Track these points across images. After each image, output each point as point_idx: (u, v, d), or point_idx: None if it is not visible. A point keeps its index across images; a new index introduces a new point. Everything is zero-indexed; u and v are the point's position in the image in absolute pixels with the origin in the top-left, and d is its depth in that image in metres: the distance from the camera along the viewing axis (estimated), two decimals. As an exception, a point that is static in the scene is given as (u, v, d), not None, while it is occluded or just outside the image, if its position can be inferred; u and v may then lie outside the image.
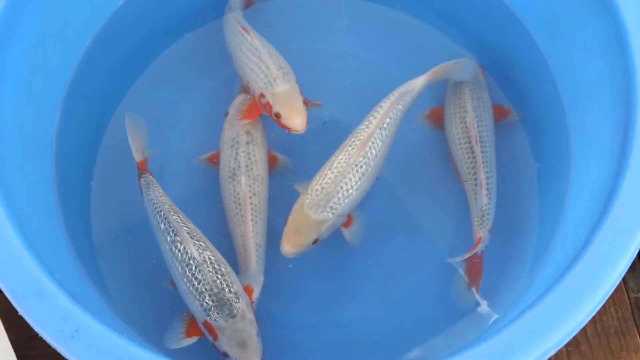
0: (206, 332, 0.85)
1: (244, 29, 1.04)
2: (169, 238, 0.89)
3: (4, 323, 1.00)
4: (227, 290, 0.85)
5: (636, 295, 1.05)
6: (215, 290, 0.85)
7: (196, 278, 0.85)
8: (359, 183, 0.91)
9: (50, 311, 0.68)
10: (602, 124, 0.86)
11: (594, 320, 1.02)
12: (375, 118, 0.93)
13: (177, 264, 0.87)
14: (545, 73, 1.02)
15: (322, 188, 0.90)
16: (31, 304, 0.68)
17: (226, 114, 1.04)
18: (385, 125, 0.93)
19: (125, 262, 1.01)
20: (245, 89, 1.05)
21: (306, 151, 1.06)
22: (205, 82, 1.14)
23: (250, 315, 0.85)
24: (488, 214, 0.97)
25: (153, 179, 0.96)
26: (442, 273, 1.00)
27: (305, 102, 0.99)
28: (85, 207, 1.03)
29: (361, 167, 0.91)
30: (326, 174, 0.91)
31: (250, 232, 0.95)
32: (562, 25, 0.97)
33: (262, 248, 0.96)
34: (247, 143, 1.00)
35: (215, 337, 0.84)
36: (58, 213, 0.94)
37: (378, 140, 0.93)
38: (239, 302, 0.84)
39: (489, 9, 1.10)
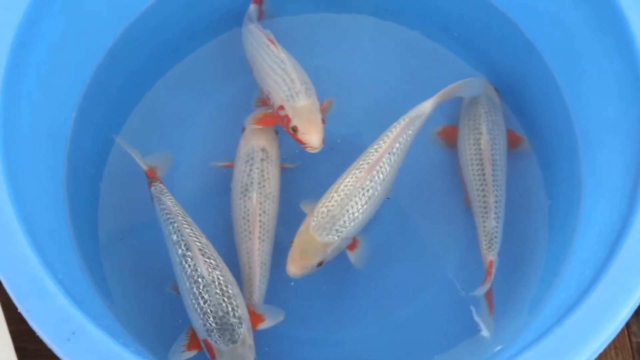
0: (205, 349, 0.86)
1: (270, 40, 1.04)
2: (180, 251, 0.89)
3: (5, 314, 1.01)
4: (231, 314, 0.85)
5: (638, 340, 1.04)
6: (220, 313, 0.85)
7: (202, 297, 0.85)
8: (365, 207, 0.91)
9: (50, 311, 0.68)
10: (614, 164, 0.86)
11: (593, 363, 1.01)
12: (384, 142, 0.93)
13: (185, 279, 0.87)
14: (561, 107, 1.02)
15: (328, 210, 0.90)
16: (31, 302, 0.68)
17: (243, 129, 1.04)
18: (394, 150, 0.93)
19: (130, 266, 1.02)
20: (263, 102, 1.05)
21: (317, 170, 1.06)
22: (222, 91, 1.15)
23: (250, 341, 0.85)
24: (496, 237, 0.97)
25: (164, 188, 0.96)
26: (444, 298, 1.01)
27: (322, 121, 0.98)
28: (93, 208, 1.03)
29: (368, 190, 0.91)
30: (332, 197, 0.91)
31: (256, 250, 0.95)
32: (581, 61, 0.97)
33: (266, 266, 0.96)
34: (262, 160, 1.00)
35: (213, 357, 0.84)
36: (66, 212, 0.95)
37: (386, 165, 0.92)
38: (241, 327, 0.85)
39: (509, 40, 1.10)
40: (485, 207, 0.99)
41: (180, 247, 0.89)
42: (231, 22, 1.15)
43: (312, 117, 0.96)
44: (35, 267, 0.70)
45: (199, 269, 0.87)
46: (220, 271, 0.88)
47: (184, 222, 0.91)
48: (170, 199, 0.94)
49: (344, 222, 0.90)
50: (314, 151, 0.95)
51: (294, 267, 0.90)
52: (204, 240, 0.90)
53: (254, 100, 1.07)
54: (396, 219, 1.05)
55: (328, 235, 0.90)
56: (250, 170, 0.99)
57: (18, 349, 1.00)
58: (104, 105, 1.07)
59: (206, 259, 0.88)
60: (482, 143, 1.02)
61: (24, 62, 0.85)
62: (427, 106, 0.97)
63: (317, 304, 1.00)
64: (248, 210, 0.97)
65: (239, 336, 0.84)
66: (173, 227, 0.91)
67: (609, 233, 0.77)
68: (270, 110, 1.02)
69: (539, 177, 1.05)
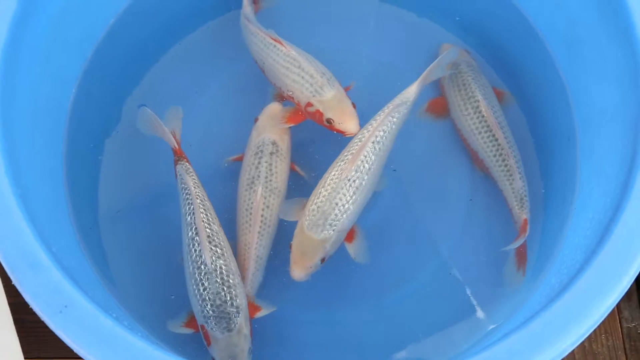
0: (202, 335, 0.87)
1: (276, 40, 1.03)
2: (190, 233, 0.90)
3: (4, 286, 1.03)
4: (229, 303, 0.86)
5: (629, 325, 1.04)
6: (218, 302, 0.86)
7: (202, 284, 0.86)
8: (354, 197, 0.90)
9: (42, 284, 0.69)
10: (610, 152, 0.86)
11: (583, 346, 1.02)
12: (368, 131, 0.93)
13: (190, 262, 0.88)
14: (561, 93, 1.02)
15: (317, 207, 0.90)
16: (24, 274, 0.69)
17: (256, 119, 1.04)
18: (378, 138, 0.92)
19: (129, 241, 1.02)
20: (280, 96, 1.05)
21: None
22: (224, 70, 1.14)
23: (246, 331, 0.86)
24: (526, 196, 0.99)
25: (190, 167, 0.96)
26: (439, 279, 1.01)
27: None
28: (93, 183, 1.04)
29: (354, 181, 0.91)
30: (320, 192, 0.90)
31: (254, 244, 0.96)
32: (582, 48, 0.96)
33: (262, 260, 0.96)
34: (271, 154, 1.00)
35: (209, 343, 0.86)
36: (65, 187, 0.95)
37: (371, 154, 0.92)
38: (238, 316, 0.86)
39: (511, 24, 1.09)
40: (508, 170, 1.00)
41: (191, 229, 0.90)
42: (233, 1, 1.15)
43: (343, 106, 0.97)
44: (29, 239, 0.70)
45: (203, 256, 0.87)
46: (225, 260, 0.88)
47: (201, 206, 0.91)
48: (193, 179, 0.94)
49: (336, 215, 0.90)
50: (353, 135, 0.95)
51: (298, 270, 0.90)
52: (215, 227, 0.91)
53: (271, 93, 1.07)
54: (391, 201, 1.05)
55: (323, 231, 0.89)
56: (259, 163, 0.99)
57: (17, 321, 1.01)
58: (105, 82, 1.07)
59: (212, 247, 0.88)
60: (483, 110, 1.03)
61: (23, 37, 0.85)
62: (411, 92, 0.96)
63: (313, 285, 1.00)
64: (252, 203, 0.97)
65: (235, 325, 0.85)
66: (189, 208, 0.91)
67: (602, 219, 0.78)
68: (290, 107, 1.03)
69: (535, 162, 1.05)
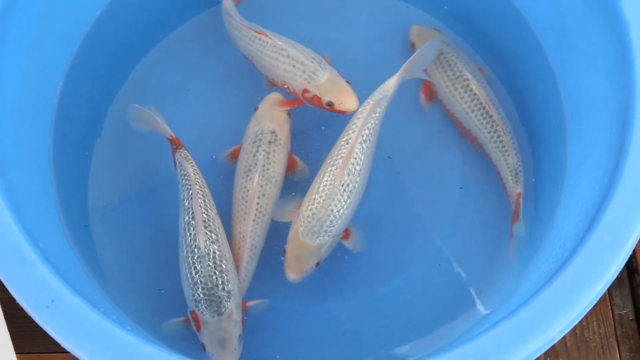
0: (192, 321, 0.87)
1: (260, 33, 1.03)
2: (186, 218, 0.90)
3: (-6, 282, 1.02)
4: (220, 287, 0.86)
5: (621, 312, 1.04)
6: (209, 285, 0.86)
7: (195, 268, 0.86)
8: (348, 201, 0.90)
9: (28, 278, 0.68)
10: (599, 140, 0.85)
11: (574, 333, 1.02)
12: (354, 132, 0.92)
13: (184, 246, 0.89)
14: (550, 81, 1.02)
15: (312, 214, 0.89)
16: (10, 269, 0.69)
17: (255, 109, 1.04)
18: (364, 137, 0.92)
19: (119, 236, 1.02)
20: (273, 83, 1.05)
21: (312, 148, 1.06)
22: (213, 63, 1.14)
23: (237, 317, 0.86)
24: (520, 171, 1.00)
25: (188, 155, 0.96)
26: (433, 268, 1.02)
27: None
28: (83, 178, 1.03)
29: (348, 185, 0.90)
30: (314, 198, 0.90)
31: (249, 232, 0.95)
32: (571, 35, 0.96)
33: (256, 249, 0.96)
34: (270, 142, 1.00)
35: (199, 329, 0.85)
36: (52, 182, 0.95)
37: (360, 155, 0.91)
38: (229, 301, 0.86)
39: (500, 12, 1.09)
40: (503, 146, 1.01)
41: (188, 214, 0.90)
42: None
43: (340, 86, 0.98)
44: (15, 234, 0.70)
45: (197, 240, 0.88)
46: (219, 246, 0.88)
47: (200, 192, 0.92)
48: (193, 166, 0.95)
49: (331, 221, 0.89)
50: (354, 112, 0.96)
51: (293, 274, 0.90)
52: (212, 214, 0.91)
53: (264, 82, 1.07)
54: (382, 192, 1.05)
55: (318, 238, 0.89)
56: (257, 151, 0.99)
57: (7, 316, 1.01)
58: (92, 76, 1.06)
59: (207, 232, 0.89)
60: (474, 88, 1.03)
61: (8, 30, 0.85)
62: (390, 85, 0.95)
63: (308, 278, 1.01)
64: (248, 191, 0.97)
65: (225, 309, 0.85)
66: (188, 193, 0.92)
67: (590, 207, 0.77)
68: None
69: (526, 150, 1.05)
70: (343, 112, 0.97)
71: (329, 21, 1.17)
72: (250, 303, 0.92)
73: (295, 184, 1.02)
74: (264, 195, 0.97)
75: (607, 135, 0.83)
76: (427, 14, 1.15)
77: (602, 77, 0.88)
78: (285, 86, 1.02)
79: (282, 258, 0.92)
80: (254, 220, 0.96)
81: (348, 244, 0.95)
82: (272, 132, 1.00)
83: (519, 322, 0.68)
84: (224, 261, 0.88)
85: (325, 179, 0.91)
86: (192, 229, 0.89)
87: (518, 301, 0.78)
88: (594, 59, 0.90)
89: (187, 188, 0.92)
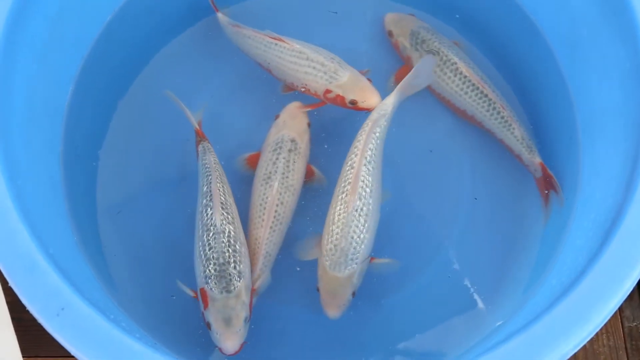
0: (200, 299, 0.87)
1: (275, 38, 1.03)
2: (204, 201, 0.92)
3: (2, 285, 1.02)
4: (232, 265, 0.86)
5: (630, 325, 1.04)
6: (221, 260, 0.87)
7: (209, 244, 0.88)
8: (366, 225, 0.90)
9: (39, 286, 0.68)
10: (612, 153, 0.85)
11: (584, 347, 1.01)
12: (356, 155, 0.91)
13: (200, 227, 0.90)
14: (563, 92, 1.01)
15: (334, 246, 0.89)
16: (21, 277, 0.69)
17: (276, 117, 1.04)
18: (368, 159, 0.91)
19: (128, 241, 1.02)
20: (289, 88, 1.05)
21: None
22: (222, 67, 1.14)
23: (245, 299, 0.86)
24: (530, 140, 1.01)
25: (210, 147, 0.98)
26: (441, 278, 1.01)
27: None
28: (91, 183, 1.03)
29: (362, 209, 0.89)
30: (332, 230, 0.89)
31: (265, 239, 0.95)
32: (584, 47, 0.96)
33: (270, 257, 0.96)
34: (290, 151, 1.00)
35: (206, 306, 0.85)
36: (62, 187, 0.95)
37: (367, 177, 0.91)
38: (239, 281, 0.86)
39: (513, 23, 1.09)
40: (505, 121, 1.02)
41: (206, 197, 0.92)
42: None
43: (362, 84, 0.99)
44: (26, 241, 0.70)
45: (213, 218, 0.89)
46: (234, 228, 0.90)
47: (218, 179, 0.94)
48: (214, 156, 0.97)
49: (354, 249, 0.89)
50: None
51: (333, 310, 0.90)
52: (229, 200, 0.93)
53: (280, 88, 1.07)
54: (391, 202, 1.04)
55: (346, 268, 0.89)
56: (277, 159, 0.99)
57: (15, 319, 1.01)
58: (102, 80, 1.06)
59: (224, 212, 0.90)
60: (464, 70, 1.04)
61: (19, 35, 0.85)
62: (388, 104, 0.95)
63: (314, 284, 0.99)
64: (267, 198, 0.97)
65: (234, 288, 0.85)
66: (207, 179, 0.94)
67: (604, 221, 0.77)
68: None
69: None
70: (367, 110, 0.97)
71: (338, 28, 1.17)
72: (259, 282, 0.92)
73: (312, 192, 1.02)
74: (282, 203, 0.97)
75: (621, 148, 0.83)
76: (440, 22, 1.14)
77: (616, 90, 0.87)
78: (303, 90, 1.02)
79: (317, 293, 0.91)
80: (270, 228, 0.95)
81: (381, 266, 0.94)
82: (293, 141, 1.00)
83: (531, 337, 0.67)
84: (238, 243, 0.89)
85: (338, 208, 0.90)
86: (209, 209, 0.90)
87: (529, 314, 0.78)
88: (607, 71, 0.90)
89: (207, 175, 0.94)
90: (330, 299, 0.89)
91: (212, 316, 0.85)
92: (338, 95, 0.99)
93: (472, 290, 0.99)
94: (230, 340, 0.84)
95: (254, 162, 1.02)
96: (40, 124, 0.92)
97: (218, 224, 0.88)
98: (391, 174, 1.02)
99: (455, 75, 1.04)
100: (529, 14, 1.07)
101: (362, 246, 0.89)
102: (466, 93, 1.03)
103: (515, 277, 0.98)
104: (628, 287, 0.69)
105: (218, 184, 0.93)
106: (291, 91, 1.05)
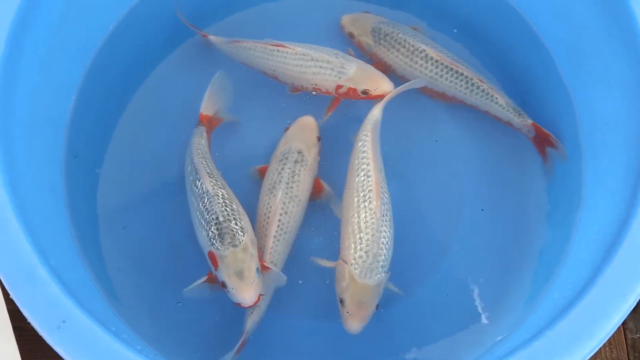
0: (210, 264, 0.87)
1: (276, 45, 1.03)
2: (191, 178, 0.94)
3: (3, 294, 1.02)
4: (233, 222, 0.87)
5: (634, 337, 1.03)
6: (222, 218, 0.87)
7: (207, 209, 0.88)
8: (390, 231, 0.91)
9: (40, 299, 0.68)
10: (615, 164, 0.85)
11: (586, 359, 1.01)
12: (368, 165, 0.93)
13: (194, 200, 0.91)
14: (566, 103, 1.01)
15: (365, 253, 0.88)
16: (22, 289, 0.69)
17: (286, 129, 1.05)
18: (379, 166, 0.94)
19: (130, 252, 1.02)
20: (296, 89, 1.06)
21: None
22: (228, 75, 1.12)
23: (252, 251, 0.86)
24: (516, 105, 1.03)
25: (204, 133, 1.01)
26: (442, 293, 1.01)
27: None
28: (93, 193, 1.03)
29: (386, 215, 0.91)
30: (361, 238, 0.89)
31: (268, 249, 0.95)
32: (587, 58, 0.96)
33: (276, 267, 0.95)
34: (296, 162, 1.00)
35: (216, 266, 0.85)
36: (64, 198, 0.94)
37: (383, 183, 0.93)
38: (243, 236, 0.86)
39: (516, 34, 1.09)
40: (487, 93, 1.04)
41: (192, 175, 0.94)
42: (233, 6, 1.15)
43: (370, 73, 1.00)
44: (28, 253, 0.70)
45: (204, 186, 0.91)
46: (227, 192, 0.91)
47: (201, 158, 0.96)
48: (200, 140, 0.99)
49: (384, 254, 0.89)
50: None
51: (357, 323, 0.88)
52: (215, 172, 0.95)
53: (288, 89, 1.07)
54: (395, 209, 1.04)
55: (377, 275, 0.88)
56: (282, 169, 0.99)
57: (16, 328, 1.01)
58: (105, 89, 1.06)
59: (212, 180, 0.92)
60: (434, 55, 1.05)
61: (22, 45, 0.85)
62: (377, 112, 0.97)
63: (314, 294, 1.00)
64: (270, 207, 0.97)
65: (239, 242, 0.86)
66: (190, 159, 0.97)
67: (607, 234, 0.77)
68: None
69: (540, 175, 1.05)
70: (380, 97, 0.98)
71: (331, 37, 1.16)
72: (271, 267, 0.91)
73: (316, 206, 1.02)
74: (286, 212, 0.96)
75: (624, 160, 0.83)
76: (442, 34, 1.14)
77: (619, 102, 0.88)
78: (314, 92, 1.03)
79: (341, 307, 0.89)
80: (274, 237, 0.95)
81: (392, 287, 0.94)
82: (299, 152, 1.01)
83: (534, 352, 0.67)
84: (234, 203, 0.90)
85: (364, 216, 0.90)
86: (198, 182, 0.92)
87: (532, 328, 0.77)
88: (610, 82, 0.90)
89: (190, 155, 0.97)
90: (357, 311, 0.87)
91: (224, 273, 0.84)
92: (350, 89, 1.00)
93: (474, 302, 0.99)
94: (246, 292, 0.84)
95: (264, 173, 1.02)
96: (43, 134, 0.92)
97: (210, 190, 0.90)
98: (393, 184, 1.01)
99: (426, 62, 1.05)
100: (531, 25, 1.07)
101: (389, 253, 0.90)
102: (442, 76, 1.04)
103: (518, 289, 0.98)
104: (632, 302, 0.69)
105: (200, 159, 0.95)
106: (298, 92, 1.06)
